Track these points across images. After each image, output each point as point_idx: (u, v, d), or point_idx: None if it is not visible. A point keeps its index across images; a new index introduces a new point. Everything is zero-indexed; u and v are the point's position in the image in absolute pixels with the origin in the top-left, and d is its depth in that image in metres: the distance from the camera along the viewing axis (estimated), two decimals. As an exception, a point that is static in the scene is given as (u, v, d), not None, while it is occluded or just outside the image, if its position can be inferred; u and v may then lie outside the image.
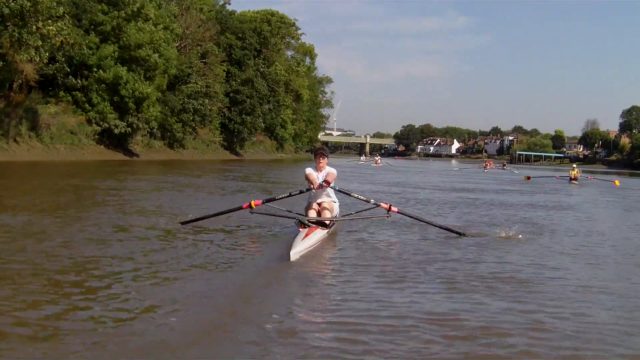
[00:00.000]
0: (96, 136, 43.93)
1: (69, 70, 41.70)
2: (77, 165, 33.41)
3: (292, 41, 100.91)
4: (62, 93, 42.71)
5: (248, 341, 4.71)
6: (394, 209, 10.45)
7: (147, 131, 51.16)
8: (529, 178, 39.04)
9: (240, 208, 10.34)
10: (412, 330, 5.13)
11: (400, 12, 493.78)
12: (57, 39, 33.76)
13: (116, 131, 44.05)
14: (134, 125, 45.60)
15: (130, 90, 43.48)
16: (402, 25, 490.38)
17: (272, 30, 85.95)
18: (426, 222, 11.18)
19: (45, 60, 36.07)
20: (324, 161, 10.71)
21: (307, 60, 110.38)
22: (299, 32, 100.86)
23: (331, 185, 10.35)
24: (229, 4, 77.37)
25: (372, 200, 10.66)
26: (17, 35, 31.86)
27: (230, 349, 4.61)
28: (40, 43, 33.07)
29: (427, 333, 5.06)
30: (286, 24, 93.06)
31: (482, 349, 4.76)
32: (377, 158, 73.56)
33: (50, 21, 33.15)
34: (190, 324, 5.08)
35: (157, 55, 45.72)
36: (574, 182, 36.11)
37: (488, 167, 65.38)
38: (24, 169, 27.60)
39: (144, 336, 4.75)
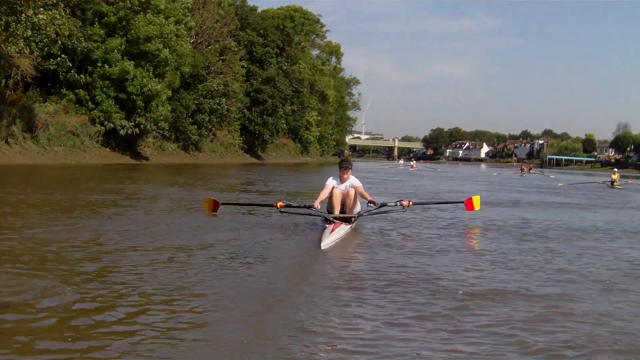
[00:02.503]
0: (100, 138, 40.23)
1: (70, 65, 38.08)
2: (68, 170, 29.73)
3: (317, 39, 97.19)
4: (64, 90, 39.13)
5: (292, 319, 5.34)
6: (410, 203, 11.81)
7: (159, 133, 47.65)
8: (564, 185, 38.61)
9: (272, 205, 11.49)
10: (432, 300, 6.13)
11: (430, 13, 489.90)
12: (49, 29, 30.27)
13: (122, 132, 40.30)
14: (142, 126, 41.80)
15: (138, 87, 39.78)
16: (431, 26, 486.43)
17: (295, 27, 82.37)
18: (439, 202, 14.62)
19: (37, 53, 32.74)
20: (348, 174, 11.40)
21: (334, 60, 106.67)
22: (324, 29, 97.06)
23: (376, 204, 11.62)
24: (250, -3, 73.89)
25: (397, 202, 11.92)
26: (3, 24, 28.50)
27: (274, 328, 5.08)
28: (30, 33, 29.80)
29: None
30: (310, 20, 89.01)
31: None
32: (412, 162, 72.63)
33: (42, 9, 29.78)
34: (235, 307, 5.64)
35: (167, 50, 42.05)
36: (616, 186, 36.56)
37: (525, 172, 60.95)
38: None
39: (197, 315, 5.33)
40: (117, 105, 40.06)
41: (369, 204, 11.41)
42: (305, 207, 11.26)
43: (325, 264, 8.11)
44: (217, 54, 57.72)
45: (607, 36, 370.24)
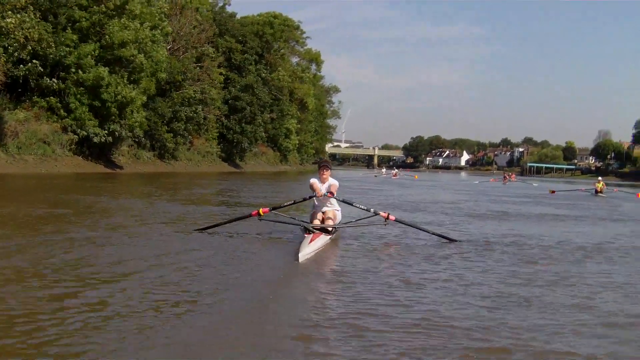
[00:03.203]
0: (73, 146, 39.00)
1: (42, 70, 36.80)
2: (35, 179, 28.34)
3: (297, 46, 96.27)
4: (35, 97, 37.94)
5: (263, 335, 5.20)
6: (391, 217, 11.17)
7: (134, 140, 46.54)
8: (553, 192, 38.97)
9: (250, 216, 11.11)
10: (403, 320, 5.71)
11: (414, 21, 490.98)
12: (18, 33, 29.23)
13: (96, 139, 39.04)
14: (116, 134, 40.66)
15: (113, 94, 38.71)
16: (415, 34, 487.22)
17: (274, 34, 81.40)
18: (423, 230, 12.04)
19: (5, 59, 31.62)
20: (327, 173, 11.51)
21: (313, 67, 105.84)
22: (304, 36, 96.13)
23: (334, 195, 11.15)
24: (229, 4, 72.80)
25: (372, 210, 11.38)
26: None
27: (245, 345, 4.93)
28: (-4, 38, 28.84)
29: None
30: (289, 26, 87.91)
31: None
32: (394, 171, 73.48)
33: (10, 12, 28.76)
34: (207, 323, 5.48)
35: (143, 55, 40.98)
36: (600, 194, 36.95)
37: (508, 180, 60.47)
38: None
39: (163, 336, 4.99)
40: (91, 113, 38.90)
41: (326, 194, 11.05)
42: (304, 199, 11.59)
43: (296, 290, 7.38)
44: (195, 61, 56.67)
45: (588, 45, 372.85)
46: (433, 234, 11.85)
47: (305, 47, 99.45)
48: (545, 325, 5.74)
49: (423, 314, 6.01)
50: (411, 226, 12.24)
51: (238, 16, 76.12)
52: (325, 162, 11.97)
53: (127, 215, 14.40)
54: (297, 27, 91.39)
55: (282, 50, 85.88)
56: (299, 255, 8.85)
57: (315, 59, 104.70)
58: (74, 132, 38.57)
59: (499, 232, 13.87)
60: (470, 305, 6.45)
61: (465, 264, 9.24)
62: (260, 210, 10.85)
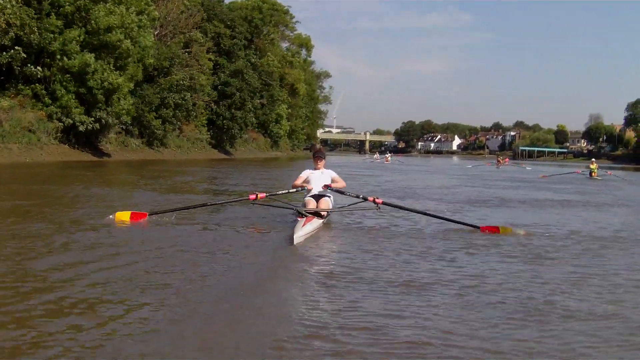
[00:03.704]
0: (59, 134, 38.14)
1: (26, 57, 35.86)
2: (15, 168, 27.54)
3: (287, 31, 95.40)
4: (20, 85, 36.98)
5: (260, 321, 5.05)
6: (378, 200, 11.06)
7: (122, 128, 45.75)
8: (545, 176, 38.33)
9: (247, 199, 11.01)
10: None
11: (402, 9, 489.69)
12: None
13: (81, 128, 38.27)
14: (103, 121, 39.79)
15: (99, 81, 37.83)
16: (404, 22, 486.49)
17: (263, 18, 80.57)
18: (416, 212, 12.04)
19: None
20: (321, 163, 12.07)
21: (304, 52, 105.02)
22: (294, 20, 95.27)
23: (330, 189, 11.35)
24: (217, -11, 71.89)
25: (360, 195, 11.33)
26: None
27: (241, 331, 4.74)
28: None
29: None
30: (279, 11, 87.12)
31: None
32: (387, 156, 73.58)
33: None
34: (205, 306, 5.39)
35: (129, 41, 40.04)
36: (595, 177, 37.17)
37: (501, 163, 60.17)
38: None
39: (152, 324, 4.79)
40: (77, 100, 38.05)
41: (321, 189, 11.43)
42: (302, 189, 11.61)
43: (295, 265, 7.57)
44: (183, 46, 55.70)
45: (577, 28, 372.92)
46: (431, 215, 11.71)
47: (295, 32, 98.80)
48: (573, 340, 4.87)
49: (427, 324, 5.12)
50: (403, 209, 12.20)
51: (226, 1, 75.43)
52: (319, 152, 12.48)
53: (96, 206, 13.19)
54: (287, 12, 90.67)
55: (271, 35, 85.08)
56: (294, 237, 8.94)
57: (305, 43, 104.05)
58: (60, 120, 37.73)
59: (502, 220, 12.64)
60: (483, 314, 5.47)
61: (471, 260, 8.12)
62: (258, 195, 10.86)
